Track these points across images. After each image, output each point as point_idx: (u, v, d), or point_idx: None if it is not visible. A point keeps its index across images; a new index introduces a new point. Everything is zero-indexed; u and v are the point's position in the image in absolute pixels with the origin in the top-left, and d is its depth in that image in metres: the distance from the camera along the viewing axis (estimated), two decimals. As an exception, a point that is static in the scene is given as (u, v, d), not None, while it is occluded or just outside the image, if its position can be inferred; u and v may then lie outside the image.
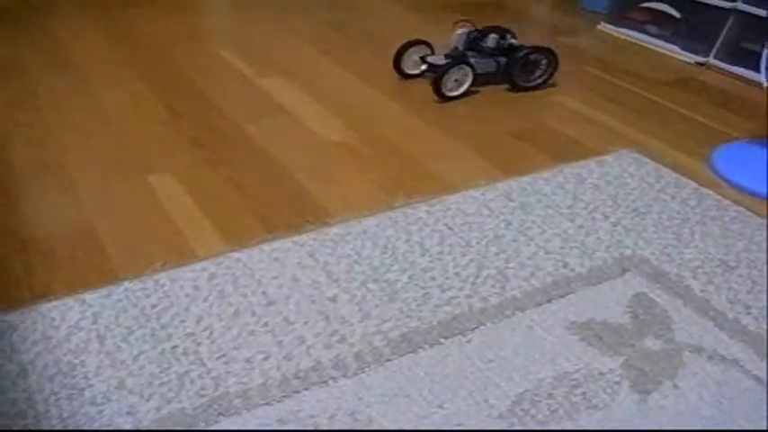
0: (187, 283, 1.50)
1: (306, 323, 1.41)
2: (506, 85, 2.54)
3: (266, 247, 1.62)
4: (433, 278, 1.54)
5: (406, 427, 1.21)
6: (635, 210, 1.80)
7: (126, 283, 1.49)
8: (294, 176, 1.91)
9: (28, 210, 1.75)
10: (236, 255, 1.59)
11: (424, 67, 2.53)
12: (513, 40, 2.52)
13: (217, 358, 1.32)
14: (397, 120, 2.28)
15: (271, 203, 1.79)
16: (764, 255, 1.65)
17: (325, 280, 1.52)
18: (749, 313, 1.48)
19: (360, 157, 2.03)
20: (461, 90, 2.45)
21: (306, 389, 1.27)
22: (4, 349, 1.33)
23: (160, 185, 1.85)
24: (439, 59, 2.48)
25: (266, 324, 1.40)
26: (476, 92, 2.45)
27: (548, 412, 1.25)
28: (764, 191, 1.88)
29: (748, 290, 1.54)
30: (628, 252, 1.65)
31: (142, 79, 2.54)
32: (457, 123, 2.25)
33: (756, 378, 1.32)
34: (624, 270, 1.59)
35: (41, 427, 1.18)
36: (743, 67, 2.69)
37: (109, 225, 1.68)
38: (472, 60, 2.44)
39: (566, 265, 1.59)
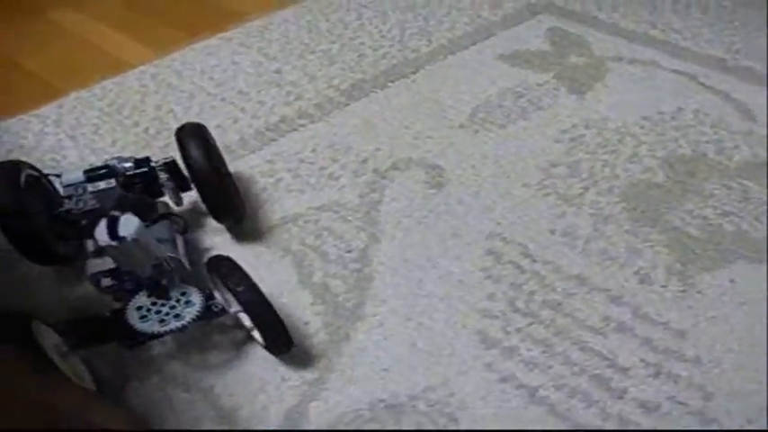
0: (133, 84, 1.55)
1: (260, 91, 1.49)
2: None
3: (197, 47, 1.68)
4: (362, 43, 1.64)
5: (383, 147, 1.31)
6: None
7: (74, 94, 1.53)
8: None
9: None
10: (170, 57, 1.65)
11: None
12: (115, 161, 1.12)
13: (188, 131, 1.38)
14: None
15: (185, 16, 1.85)
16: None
17: (264, 59, 1.60)
18: (655, 28, 1.64)
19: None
20: None
21: (281, 136, 1.37)
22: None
23: (66, 19, 1.88)
24: (164, 311, 0.96)
25: (223, 99, 1.48)
26: None
27: (502, 117, 1.38)
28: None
29: (650, 12, 1.70)
30: (533, 0, 1.77)
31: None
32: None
33: (675, 71, 1.49)
34: (534, 13, 1.72)
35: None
36: None
37: (33, 59, 1.70)
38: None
39: (480, 17, 1.72)
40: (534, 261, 1.08)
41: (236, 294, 0.91)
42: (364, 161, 1.28)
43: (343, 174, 1.25)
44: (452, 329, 0.99)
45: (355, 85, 1.47)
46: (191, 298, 0.95)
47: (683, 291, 1.02)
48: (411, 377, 0.93)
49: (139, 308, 0.94)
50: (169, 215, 1.04)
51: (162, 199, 1.13)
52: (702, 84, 1.43)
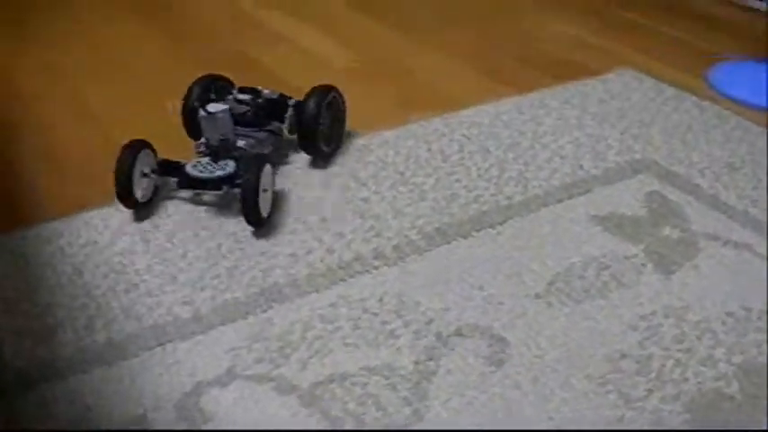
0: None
1: (342, 221, 1.46)
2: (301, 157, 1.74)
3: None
4: (458, 180, 1.60)
5: (452, 308, 1.26)
6: (640, 120, 1.88)
7: (161, 194, 1.54)
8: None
9: (58, 135, 1.83)
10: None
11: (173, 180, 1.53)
12: (268, 91, 1.68)
13: (261, 254, 1.39)
14: (397, 44, 2.32)
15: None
16: (765, 158, 1.75)
17: (355, 184, 1.58)
18: (756, 206, 1.56)
19: (368, 79, 2.10)
20: (269, 201, 1.50)
21: (351, 277, 1.34)
22: (54, 253, 1.38)
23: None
24: (208, 167, 1.51)
25: (304, 223, 1.46)
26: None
27: (581, 291, 1.32)
28: (763, 103, 1.99)
29: (753, 186, 1.63)
30: (638, 156, 1.72)
31: (140, 16, 2.54)
32: (458, 48, 2.29)
33: (769, 259, 1.40)
34: (636, 171, 1.66)
35: (104, 317, 1.26)
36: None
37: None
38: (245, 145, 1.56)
39: (581, 168, 1.66)
40: (580, 470, 1.01)
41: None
42: (429, 321, 1.24)
43: (404, 333, 1.22)
44: None
45: (439, 230, 1.45)
46: (227, 167, 1.47)
47: None
48: None
49: (197, 162, 1.48)
50: (273, 132, 1.63)
51: (280, 125, 1.63)
52: (797, 279, 1.34)
